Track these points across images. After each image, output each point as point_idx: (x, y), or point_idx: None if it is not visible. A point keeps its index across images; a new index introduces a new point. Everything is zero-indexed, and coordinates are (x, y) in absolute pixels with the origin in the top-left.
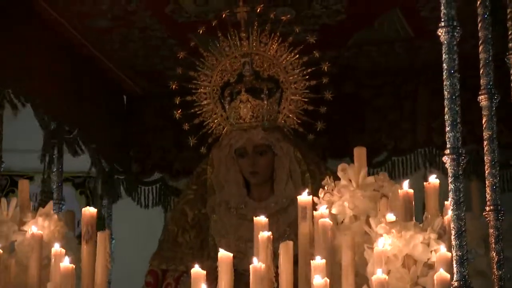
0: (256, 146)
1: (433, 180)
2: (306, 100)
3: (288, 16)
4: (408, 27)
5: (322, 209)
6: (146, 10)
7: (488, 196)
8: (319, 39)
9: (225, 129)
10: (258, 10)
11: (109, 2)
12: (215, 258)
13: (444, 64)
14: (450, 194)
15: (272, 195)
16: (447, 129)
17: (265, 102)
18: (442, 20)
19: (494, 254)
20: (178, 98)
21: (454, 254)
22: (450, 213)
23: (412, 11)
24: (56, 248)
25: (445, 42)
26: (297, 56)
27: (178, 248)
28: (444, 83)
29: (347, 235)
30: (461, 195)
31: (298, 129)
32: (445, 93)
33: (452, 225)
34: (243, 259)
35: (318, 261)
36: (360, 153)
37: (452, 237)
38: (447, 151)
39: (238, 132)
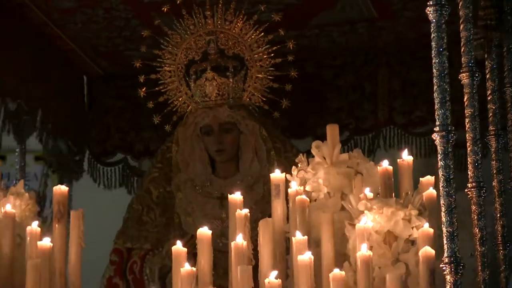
0: (222, 124)
1: (407, 157)
2: (271, 78)
3: None
4: (372, 8)
5: (295, 186)
6: None
7: (470, 173)
8: (283, 19)
9: (190, 107)
10: None
11: None
12: (180, 236)
13: (433, 43)
14: (440, 171)
15: (237, 173)
16: (436, 106)
17: (231, 80)
18: None
19: (477, 231)
20: (143, 76)
21: (445, 230)
22: (430, 189)
23: None
24: (33, 226)
25: (434, 20)
26: (262, 34)
27: (143, 227)
28: (433, 61)
29: (326, 211)
30: (451, 172)
31: (264, 107)
32: (434, 71)
33: (442, 202)
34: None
35: (300, 237)
36: (333, 130)
37: (442, 213)
38: (437, 128)
39: (203, 110)
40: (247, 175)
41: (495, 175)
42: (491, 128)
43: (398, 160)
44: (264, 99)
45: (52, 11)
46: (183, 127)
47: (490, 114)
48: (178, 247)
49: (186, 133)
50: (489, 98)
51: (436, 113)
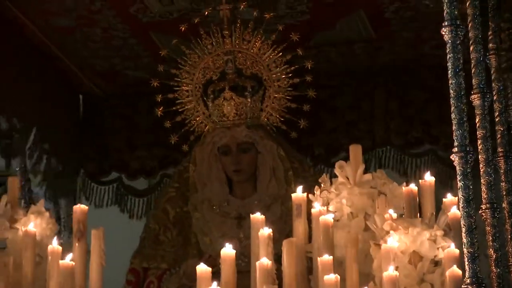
0: (240, 144)
1: (429, 178)
2: (289, 98)
3: (272, 14)
4: (370, 28)
5: (318, 206)
6: (111, 10)
7: (484, 194)
8: (283, 39)
9: (207, 127)
10: (241, 8)
11: (74, 0)
12: (198, 256)
13: (449, 63)
14: (460, 192)
15: (255, 192)
16: (454, 127)
17: (249, 100)
18: (446, 19)
19: (492, 252)
20: (160, 96)
21: (466, 251)
22: (453, 210)
23: (376, 12)
24: (54, 245)
25: (449, 41)
26: (280, 54)
27: (160, 246)
28: (450, 82)
29: (350, 232)
30: (471, 193)
31: (281, 127)
32: (451, 91)
33: (462, 222)
34: None
35: (326, 258)
36: (355, 150)
37: (463, 234)
38: (455, 149)
39: (221, 129)
40: (264, 195)
41: (505, 196)
42: (499, 149)
43: (420, 181)
44: (282, 119)
45: (51, 30)
46: (201, 147)
47: (499, 136)
48: (203, 266)
49: (204, 153)
50: (497, 120)
51: (454, 133)
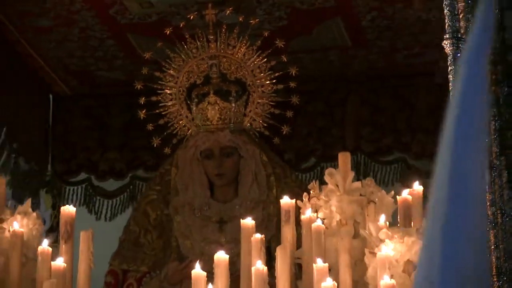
0: (223, 148)
1: (417, 187)
2: (273, 103)
3: (257, 20)
4: (346, 36)
5: (308, 213)
6: (90, 10)
7: None
8: (267, 45)
9: (190, 130)
10: (227, 13)
11: (53, 0)
12: (178, 259)
13: (450, 76)
14: None
15: (236, 197)
16: None
17: (233, 104)
18: (447, 32)
19: None
20: (143, 98)
21: None
22: None
23: (352, 20)
24: (44, 246)
25: (451, 53)
26: (265, 59)
27: (140, 249)
28: (451, 94)
29: (344, 239)
30: None
31: (264, 132)
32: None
33: None
34: (208, 261)
35: (321, 265)
36: (345, 158)
37: None
38: None
39: (204, 133)
40: (246, 199)
41: (488, 207)
42: None
43: (409, 189)
44: (265, 124)
45: (27, 30)
46: (183, 150)
47: None
48: (198, 270)
49: (186, 157)
50: None
51: None
